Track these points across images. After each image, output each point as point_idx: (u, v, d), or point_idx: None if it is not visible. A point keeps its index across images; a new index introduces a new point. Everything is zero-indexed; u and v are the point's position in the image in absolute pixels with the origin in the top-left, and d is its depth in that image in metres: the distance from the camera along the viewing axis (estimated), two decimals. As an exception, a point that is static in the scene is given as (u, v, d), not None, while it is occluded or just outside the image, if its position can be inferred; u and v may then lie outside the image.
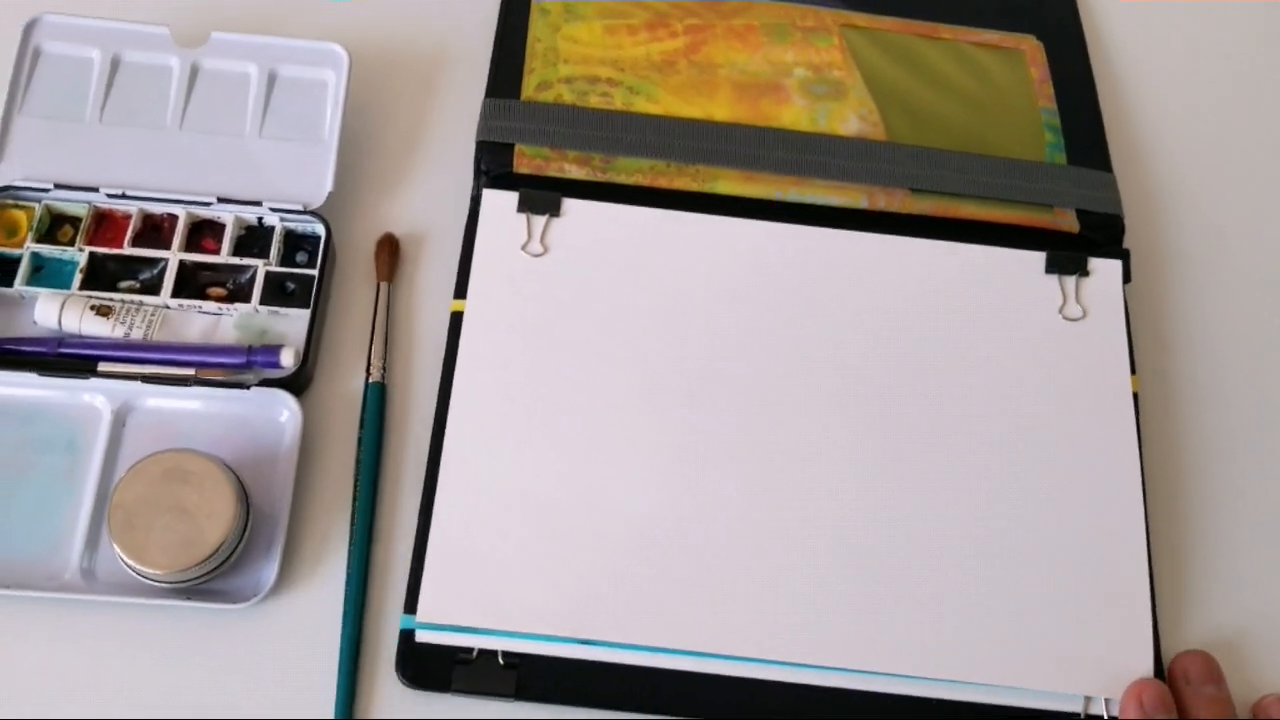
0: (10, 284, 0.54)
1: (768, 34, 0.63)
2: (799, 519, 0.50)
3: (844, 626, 0.48)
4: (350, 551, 0.50)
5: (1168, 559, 0.53)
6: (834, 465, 0.51)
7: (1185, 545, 0.54)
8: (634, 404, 0.52)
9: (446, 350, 0.53)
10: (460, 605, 0.47)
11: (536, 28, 0.62)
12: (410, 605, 0.48)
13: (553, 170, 0.56)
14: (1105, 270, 0.56)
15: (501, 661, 0.47)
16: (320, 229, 0.56)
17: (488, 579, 0.48)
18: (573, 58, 0.60)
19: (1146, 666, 0.48)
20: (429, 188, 0.60)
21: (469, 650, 0.47)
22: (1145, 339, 0.58)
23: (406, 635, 0.48)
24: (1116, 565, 0.50)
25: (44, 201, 0.56)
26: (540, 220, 0.55)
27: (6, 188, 0.56)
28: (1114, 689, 0.48)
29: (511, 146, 0.57)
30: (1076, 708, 0.48)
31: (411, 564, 0.49)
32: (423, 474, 0.52)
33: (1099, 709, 0.48)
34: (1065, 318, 0.55)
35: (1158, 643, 0.49)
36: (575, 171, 0.56)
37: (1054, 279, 0.56)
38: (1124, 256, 0.57)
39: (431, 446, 0.51)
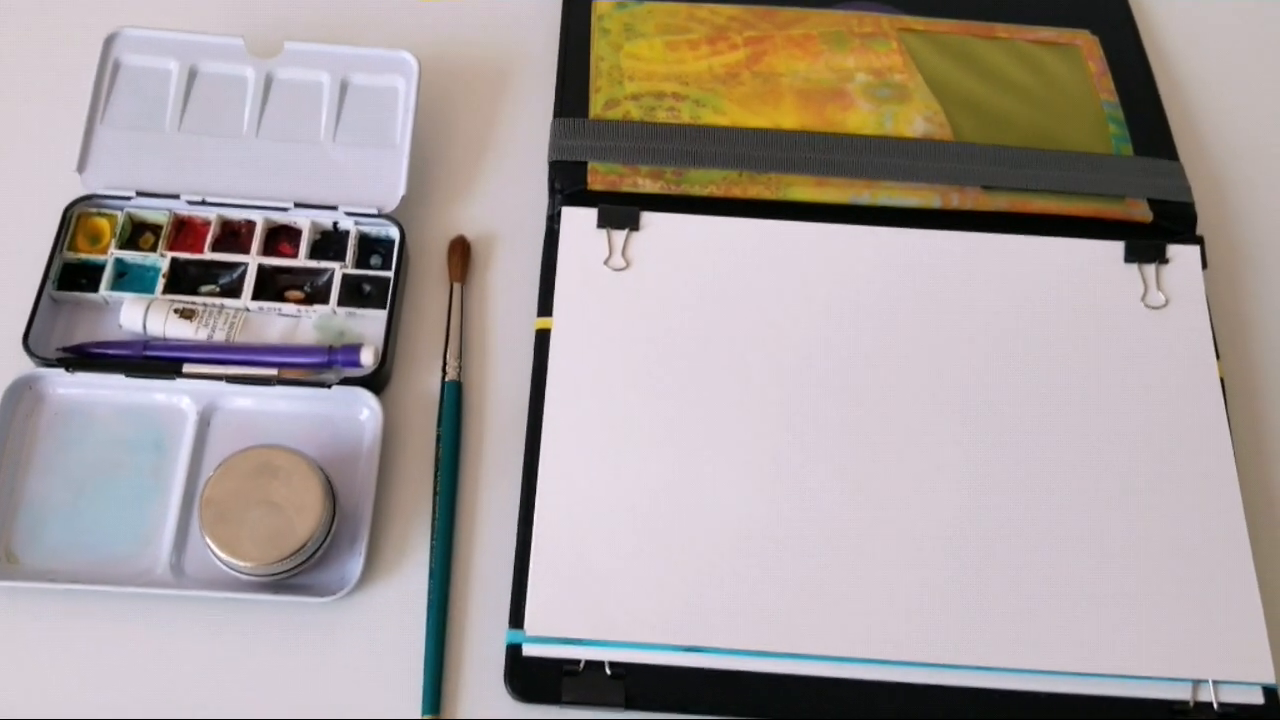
0: (95, 289, 0.55)
1: (826, 42, 0.63)
2: (898, 517, 0.50)
3: (950, 623, 0.48)
4: (433, 546, 0.51)
5: (1265, 539, 0.53)
6: (929, 461, 0.51)
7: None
8: (726, 409, 0.52)
9: (534, 367, 0.53)
10: (566, 618, 0.48)
11: (599, 47, 0.63)
12: (515, 619, 0.48)
13: (626, 186, 0.57)
14: (1184, 257, 0.56)
15: (609, 672, 0.48)
16: (394, 232, 0.57)
17: (591, 591, 0.48)
18: (637, 75, 0.61)
19: (1262, 646, 0.48)
20: (498, 190, 0.61)
21: (575, 662, 0.48)
22: (1223, 325, 0.58)
23: (513, 649, 0.48)
24: (1218, 548, 0.50)
25: (126, 210, 0.57)
26: (620, 235, 0.56)
27: (90, 196, 0.57)
28: (1225, 671, 0.48)
29: (584, 165, 0.58)
30: (1184, 695, 0.48)
31: (514, 579, 0.49)
32: (503, 469, 0.53)
33: (1207, 695, 0.48)
34: (1148, 306, 0.55)
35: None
36: (649, 186, 0.57)
37: (1134, 268, 0.56)
38: (1200, 243, 0.57)
39: (526, 463, 0.51)
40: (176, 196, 0.57)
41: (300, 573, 0.49)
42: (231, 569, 0.48)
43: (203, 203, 0.57)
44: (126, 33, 0.60)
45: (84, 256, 0.56)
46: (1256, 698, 0.48)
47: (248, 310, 0.55)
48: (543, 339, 0.54)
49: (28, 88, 0.63)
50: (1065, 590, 0.49)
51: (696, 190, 0.57)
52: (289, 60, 0.60)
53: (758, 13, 0.65)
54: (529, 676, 0.47)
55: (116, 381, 0.53)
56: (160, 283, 0.55)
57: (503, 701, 0.48)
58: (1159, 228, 0.58)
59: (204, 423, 0.53)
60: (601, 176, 0.57)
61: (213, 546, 0.47)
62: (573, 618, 0.48)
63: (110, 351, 0.54)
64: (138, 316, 0.54)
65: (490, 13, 0.67)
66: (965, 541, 0.50)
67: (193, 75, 0.60)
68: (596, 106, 0.60)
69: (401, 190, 0.57)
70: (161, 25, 0.60)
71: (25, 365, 0.53)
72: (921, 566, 0.49)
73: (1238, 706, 0.48)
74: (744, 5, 0.65)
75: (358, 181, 0.58)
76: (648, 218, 0.57)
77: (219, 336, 0.54)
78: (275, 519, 0.47)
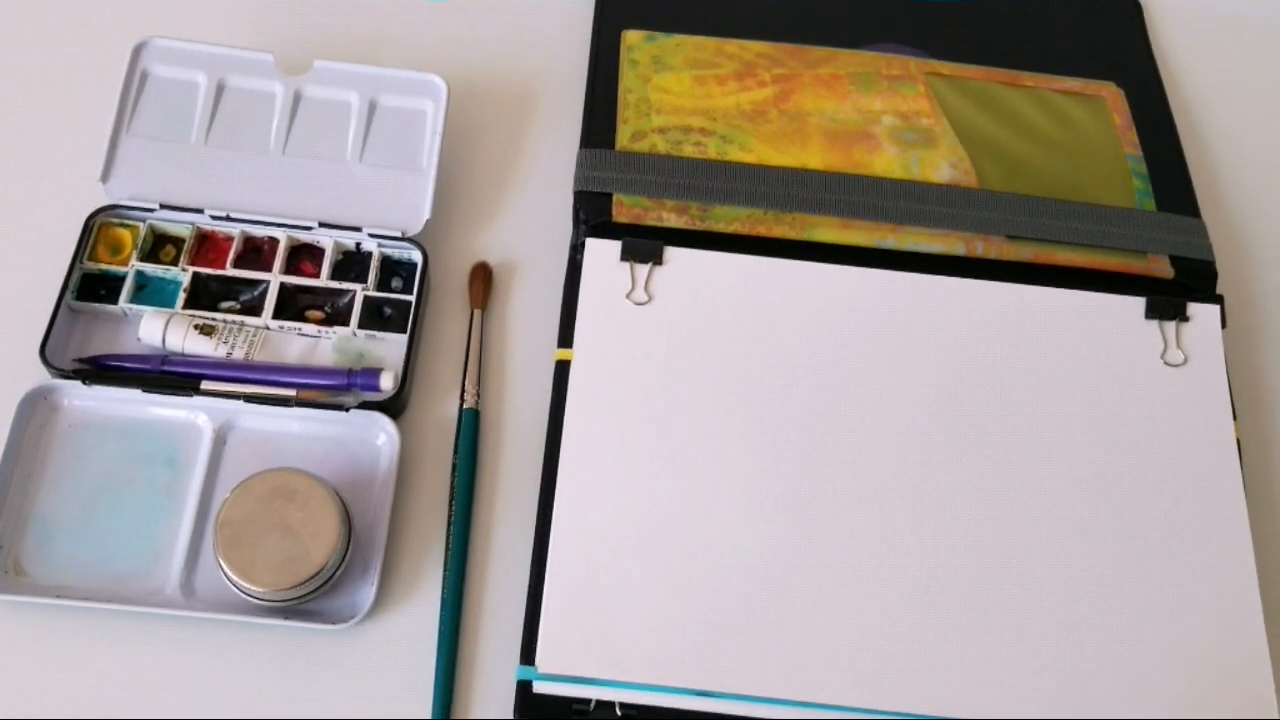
0: (114, 301, 0.55)
1: (854, 83, 0.63)
2: (911, 563, 0.50)
3: (963, 674, 0.48)
4: (445, 577, 0.51)
5: (1278, 601, 0.53)
6: (944, 509, 0.51)
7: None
8: (744, 450, 0.52)
9: (553, 398, 0.53)
10: (578, 656, 0.47)
11: (627, 79, 0.63)
12: (527, 656, 0.48)
13: (651, 219, 0.57)
14: (1204, 315, 0.57)
15: (619, 712, 0.47)
16: (417, 255, 0.57)
17: (605, 629, 0.48)
18: (665, 108, 0.61)
19: (1270, 708, 0.48)
20: (521, 217, 0.61)
21: (586, 701, 0.47)
22: (1239, 385, 0.58)
23: (523, 685, 0.47)
24: (1230, 608, 0.50)
25: (148, 221, 0.57)
26: (644, 269, 0.56)
27: (112, 207, 0.57)
28: None
29: (609, 196, 0.58)
30: None
31: (526, 613, 0.49)
32: (519, 499, 0.53)
33: None
34: (1167, 363, 0.55)
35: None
36: (674, 220, 0.57)
37: (1154, 324, 0.56)
38: (1220, 302, 0.57)
39: (542, 494, 0.51)
40: (200, 210, 0.57)
41: (312, 599, 0.49)
42: (244, 593, 0.47)
43: (226, 218, 0.57)
44: (155, 43, 0.59)
45: (104, 267, 0.56)
46: (1263, 759, 0.48)
47: (268, 329, 0.55)
48: (562, 370, 0.54)
49: (54, 94, 0.63)
50: (1077, 640, 0.49)
51: (721, 227, 0.57)
52: (318, 78, 0.59)
53: (787, 50, 0.65)
54: (539, 713, 0.47)
55: (133, 395, 0.52)
56: (181, 297, 0.55)
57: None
58: (1180, 285, 0.58)
59: (219, 441, 0.53)
60: (626, 209, 0.57)
61: (227, 570, 0.47)
62: (585, 656, 0.47)
63: (127, 365, 0.53)
64: (157, 331, 0.54)
65: (518, 39, 0.67)
66: (978, 591, 0.50)
67: (220, 89, 0.59)
68: (623, 138, 0.60)
69: (426, 214, 0.57)
70: (191, 37, 0.60)
71: (41, 376, 0.53)
72: (933, 616, 0.49)
73: None
74: (773, 43, 0.65)
75: (382, 203, 0.58)
76: (671, 253, 0.57)
77: (238, 354, 0.54)
78: (290, 544, 0.47)
